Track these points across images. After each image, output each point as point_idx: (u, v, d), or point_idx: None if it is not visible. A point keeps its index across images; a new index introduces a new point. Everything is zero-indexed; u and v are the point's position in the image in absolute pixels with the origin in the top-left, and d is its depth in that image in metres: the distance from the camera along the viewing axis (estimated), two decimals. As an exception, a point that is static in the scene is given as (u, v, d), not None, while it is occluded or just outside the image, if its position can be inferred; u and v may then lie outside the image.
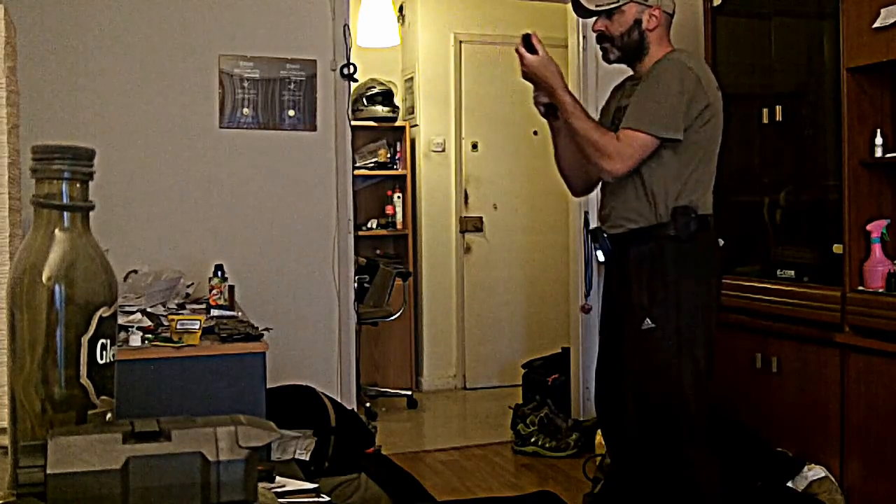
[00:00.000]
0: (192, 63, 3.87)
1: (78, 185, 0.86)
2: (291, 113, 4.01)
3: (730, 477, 2.73)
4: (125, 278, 3.20)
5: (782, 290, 3.41)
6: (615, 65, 2.69)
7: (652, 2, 2.55)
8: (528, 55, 2.54)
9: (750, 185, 3.73)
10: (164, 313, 2.86)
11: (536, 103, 2.63)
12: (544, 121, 2.69)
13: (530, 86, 2.65)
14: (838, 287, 3.17)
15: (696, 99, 2.44)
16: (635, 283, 2.49)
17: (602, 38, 2.62)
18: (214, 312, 2.97)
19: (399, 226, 5.98)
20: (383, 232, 5.99)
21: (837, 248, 3.20)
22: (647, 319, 2.43)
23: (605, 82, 4.35)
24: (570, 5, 4.49)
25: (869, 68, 3.07)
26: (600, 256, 2.63)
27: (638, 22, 2.54)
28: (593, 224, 4.45)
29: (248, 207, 3.96)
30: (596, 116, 2.73)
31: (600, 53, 2.70)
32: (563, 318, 5.04)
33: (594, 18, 2.62)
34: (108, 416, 0.86)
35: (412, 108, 6.01)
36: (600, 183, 2.72)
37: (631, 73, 2.70)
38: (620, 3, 2.53)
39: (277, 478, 1.13)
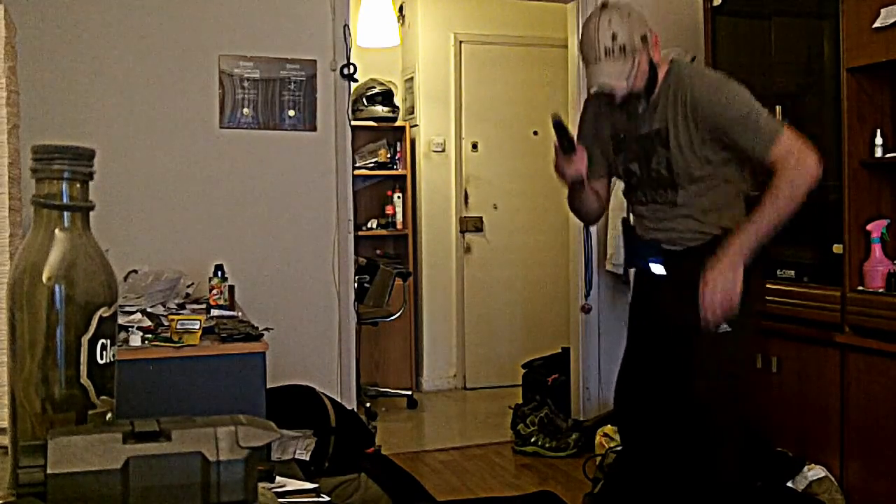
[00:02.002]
0: (192, 63, 3.87)
1: (78, 185, 0.86)
2: (291, 113, 4.01)
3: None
4: (125, 278, 3.20)
5: (782, 290, 3.41)
6: None
7: (649, 35, 2.45)
8: (733, 303, 2.33)
9: (750, 185, 3.72)
10: (164, 313, 2.86)
11: (558, 172, 2.54)
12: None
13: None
14: (838, 287, 3.17)
15: None
16: None
17: (607, 93, 2.50)
18: (214, 312, 2.97)
19: (399, 226, 5.98)
20: (383, 232, 5.99)
21: (837, 248, 3.20)
22: (724, 323, 2.39)
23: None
24: (569, 5, 4.51)
25: (869, 68, 3.07)
26: (658, 269, 2.55)
27: (650, 61, 2.45)
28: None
29: (248, 207, 3.96)
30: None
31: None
32: (563, 318, 5.04)
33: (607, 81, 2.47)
34: (108, 416, 0.86)
35: (412, 108, 6.01)
36: (636, 202, 2.63)
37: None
38: (636, 62, 2.41)
39: (277, 478, 1.13)
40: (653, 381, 2.60)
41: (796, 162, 2.29)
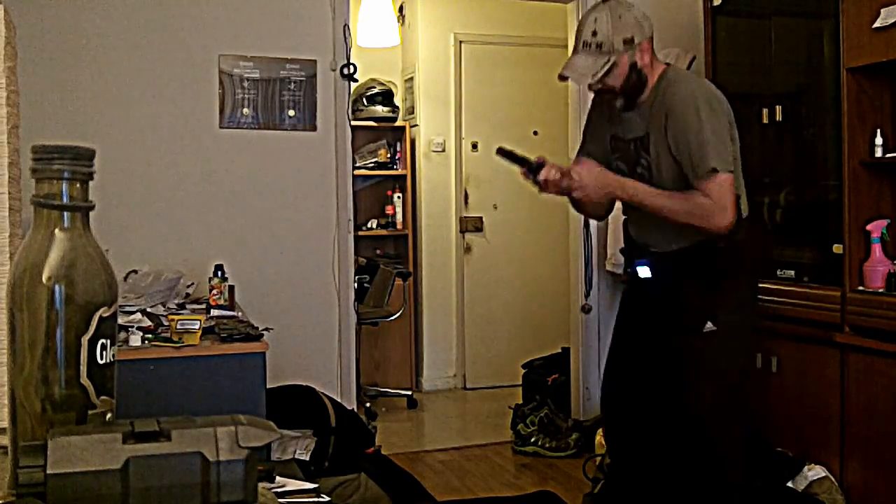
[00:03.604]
0: (192, 63, 3.87)
1: (78, 185, 0.86)
2: (291, 113, 4.01)
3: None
4: (125, 278, 3.20)
5: (782, 290, 3.40)
6: None
7: (638, 39, 2.44)
8: (574, 180, 2.40)
9: (750, 185, 3.72)
10: (164, 313, 2.86)
11: (548, 191, 2.51)
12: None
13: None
14: (838, 287, 3.17)
15: (732, 122, 2.45)
16: (691, 288, 2.45)
17: (602, 91, 2.53)
18: (214, 312, 2.97)
19: (399, 226, 5.98)
20: (383, 232, 5.99)
21: (837, 248, 3.20)
22: (709, 322, 2.39)
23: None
24: (569, 5, 4.51)
25: (869, 68, 3.07)
26: (644, 272, 2.56)
27: (633, 65, 2.44)
28: (591, 222, 4.45)
29: (248, 207, 3.96)
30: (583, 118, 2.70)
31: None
32: (563, 318, 5.04)
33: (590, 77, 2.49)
34: (108, 416, 0.86)
35: (412, 108, 6.01)
36: (627, 205, 2.61)
37: None
38: (611, 61, 2.41)
39: (277, 478, 1.13)
40: (640, 389, 2.59)
41: (718, 204, 2.33)
